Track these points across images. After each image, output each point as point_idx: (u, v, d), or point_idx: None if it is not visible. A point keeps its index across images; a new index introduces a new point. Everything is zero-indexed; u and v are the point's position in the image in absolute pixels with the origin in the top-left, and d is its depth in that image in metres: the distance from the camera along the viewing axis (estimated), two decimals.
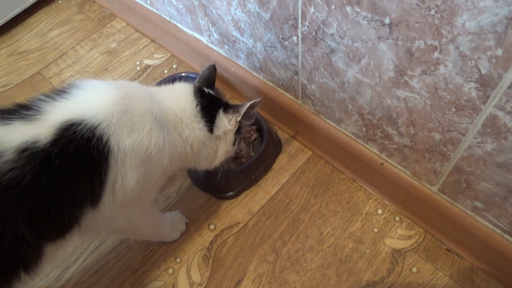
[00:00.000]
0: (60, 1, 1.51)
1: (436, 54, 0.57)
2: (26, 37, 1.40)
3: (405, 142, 0.76)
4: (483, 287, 0.78)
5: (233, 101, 1.14)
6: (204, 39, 1.11)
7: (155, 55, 1.29)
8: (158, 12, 1.22)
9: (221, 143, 0.76)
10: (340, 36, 0.69)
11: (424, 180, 0.80)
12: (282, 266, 0.85)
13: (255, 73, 1.03)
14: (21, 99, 1.22)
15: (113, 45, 1.33)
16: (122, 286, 0.86)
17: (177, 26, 1.18)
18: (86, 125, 0.57)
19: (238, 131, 0.78)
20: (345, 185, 0.94)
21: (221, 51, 1.09)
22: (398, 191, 0.86)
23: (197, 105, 0.72)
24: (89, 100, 0.61)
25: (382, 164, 0.85)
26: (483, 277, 0.80)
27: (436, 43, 0.56)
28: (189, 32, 1.15)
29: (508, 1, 0.45)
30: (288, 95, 0.97)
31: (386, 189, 0.90)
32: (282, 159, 1.01)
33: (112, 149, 0.59)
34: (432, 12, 0.53)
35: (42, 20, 1.44)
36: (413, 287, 0.79)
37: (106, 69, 1.26)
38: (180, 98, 0.72)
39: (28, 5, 1.43)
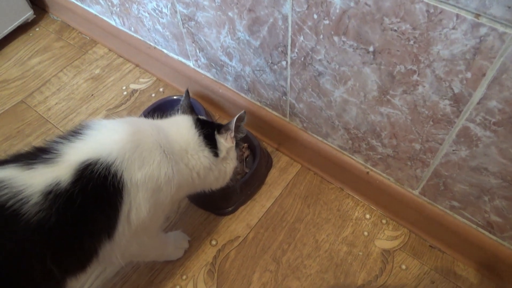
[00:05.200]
0: (37, 29, 1.51)
1: (415, 77, 0.66)
2: (5, 66, 1.39)
3: (388, 152, 0.85)
4: (463, 277, 0.88)
5: (222, 121, 1.20)
6: (190, 64, 1.16)
7: (141, 80, 1.32)
8: (142, 39, 1.26)
9: (227, 162, 0.82)
10: (327, 61, 0.77)
11: (406, 185, 0.89)
12: (283, 274, 0.91)
13: (243, 94, 1.09)
14: (5, 129, 1.22)
15: (97, 71, 1.36)
16: None
17: (162, 52, 1.22)
18: (102, 164, 0.62)
19: (236, 146, 0.84)
20: (334, 194, 1.02)
21: (208, 74, 1.14)
22: (383, 197, 0.95)
23: (199, 135, 0.77)
24: (102, 140, 0.66)
25: (367, 173, 0.93)
26: (463, 268, 0.89)
27: (415, 68, 0.65)
28: (175, 57, 1.20)
29: (474, 34, 0.55)
30: (276, 113, 1.04)
31: (372, 195, 0.98)
32: (273, 173, 1.07)
33: (125, 184, 0.64)
34: (411, 42, 0.62)
35: (21, 49, 1.44)
36: (404, 282, 0.88)
37: (92, 95, 1.28)
38: (182, 130, 0.77)
39: (4, 35, 1.42)
